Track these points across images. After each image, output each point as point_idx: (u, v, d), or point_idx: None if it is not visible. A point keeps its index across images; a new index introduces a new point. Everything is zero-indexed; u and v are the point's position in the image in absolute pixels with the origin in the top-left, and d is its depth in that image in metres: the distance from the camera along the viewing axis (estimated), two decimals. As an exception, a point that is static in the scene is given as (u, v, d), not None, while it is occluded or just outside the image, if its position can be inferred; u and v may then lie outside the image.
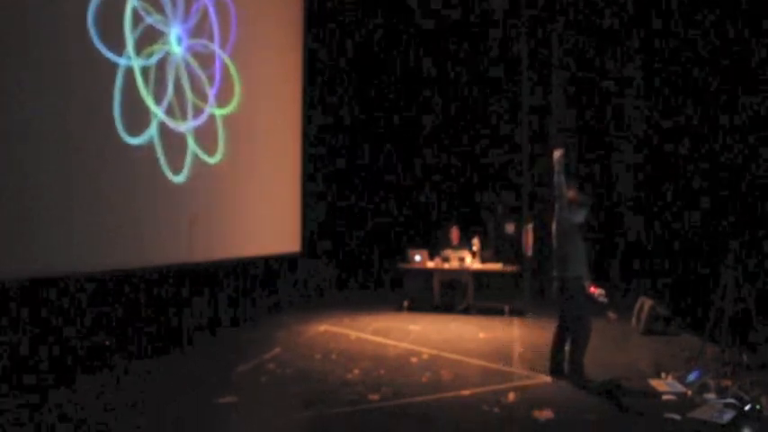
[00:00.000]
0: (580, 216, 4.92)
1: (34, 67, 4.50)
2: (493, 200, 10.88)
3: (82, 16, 4.97)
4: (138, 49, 5.64)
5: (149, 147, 5.81)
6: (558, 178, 4.89)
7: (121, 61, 5.40)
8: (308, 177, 9.68)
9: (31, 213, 4.47)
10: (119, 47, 5.38)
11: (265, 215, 8.27)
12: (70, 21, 4.87)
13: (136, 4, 5.58)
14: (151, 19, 5.82)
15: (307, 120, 9.68)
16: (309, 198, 9.74)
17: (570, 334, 4.89)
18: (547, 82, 10.36)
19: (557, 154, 4.92)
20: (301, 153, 9.54)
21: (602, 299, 5.10)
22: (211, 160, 6.88)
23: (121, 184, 5.41)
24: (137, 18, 5.61)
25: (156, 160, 5.92)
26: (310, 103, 9.78)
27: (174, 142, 6.17)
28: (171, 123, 6.13)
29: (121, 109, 5.39)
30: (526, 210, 10.19)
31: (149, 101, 5.77)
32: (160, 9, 6.00)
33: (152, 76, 5.82)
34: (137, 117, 5.62)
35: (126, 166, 5.48)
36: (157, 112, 5.89)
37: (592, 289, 5.00)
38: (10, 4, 4.30)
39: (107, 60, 5.24)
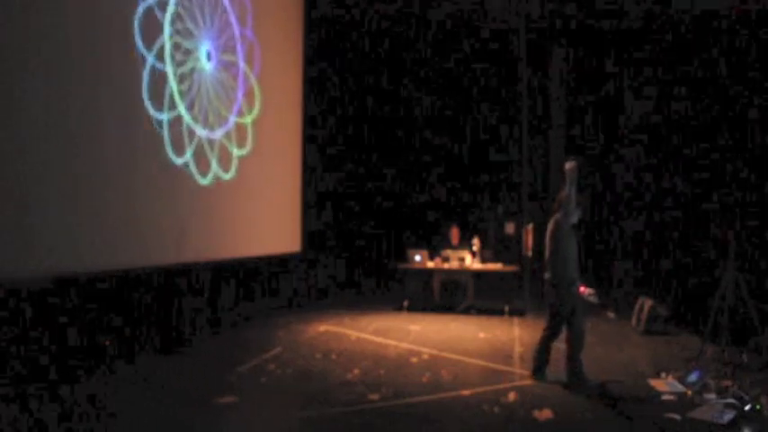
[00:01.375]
0: (575, 217, 4.92)
1: (34, 66, 4.50)
2: (493, 200, 10.88)
3: (83, 16, 4.97)
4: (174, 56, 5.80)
5: (150, 146, 5.81)
6: (570, 190, 4.83)
7: (155, 63, 5.42)
8: (308, 177, 9.68)
9: (31, 213, 4.46)
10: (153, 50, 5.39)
11: (265, 215, 8.27)
12: (72, 24, 4.88)
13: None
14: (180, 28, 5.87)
15: (307, 119, 9.68)
16: (310, 198, 9.74)
17: (566, 336, 4.86)
18: (547, 80, 10.36)
19: (569, 166, 4.86)
20: (302, 153, 9.55)
21: (593, 298, 5.10)
22: (214, 157, 6.89)
23: (121, 184, 5.41)
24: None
25: (157, 159, 5.92)
26: (311, 103, 9.78)
27: (176, 143, 6.16)
28: (178, 125, 6.14)
29: (121, 108, 5.39)
30: (526, 210, 10.19)
31: (150, 102, 5.77)
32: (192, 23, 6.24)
33: (154, 77, 5.83)
34: (137, 117, 5.61)
35: (126, 166, 5.47)
36: (163, 114, 5.90)
37: (582, 289, 4.99)
38: (11, 3, 4.30)
39: (108, 61, 5.24)
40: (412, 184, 11.19)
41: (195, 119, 6.49)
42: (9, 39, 4.28)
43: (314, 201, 9.92)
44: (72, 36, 4.87)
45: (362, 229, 11.13)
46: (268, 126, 8.31)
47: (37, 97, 4.52)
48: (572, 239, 4.89)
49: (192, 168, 6.47)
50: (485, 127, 10.92)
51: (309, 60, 9.76)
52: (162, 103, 5.92)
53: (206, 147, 6.74)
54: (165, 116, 5.97)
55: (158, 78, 5.85)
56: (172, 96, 6.08)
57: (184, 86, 6.29)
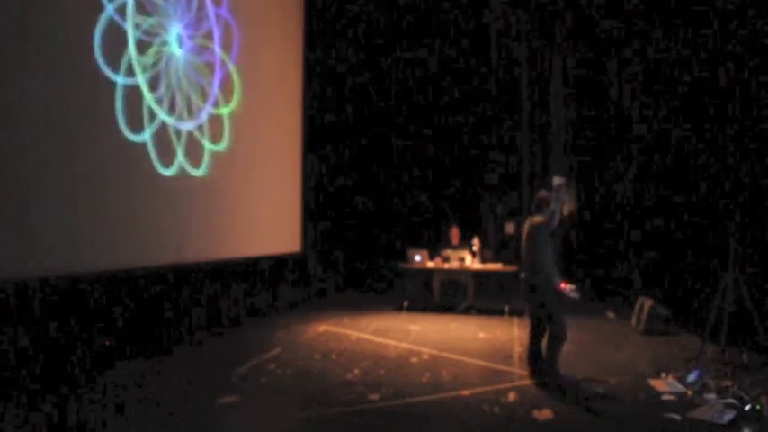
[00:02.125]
0: (555, 219, 4.90)
1: (34, 66, 4.50)
2: (493, 200, 10.89)
3: (85, 18, 4.97)
4: (141, 58, 5.65)
5: (150, 146, 5.80)
6: (556, 205, 4.82)
7: (126, 82, 5.40)
8: (308, 177, 9.68)
9: (31, 213, 4.46)
10: (119, 52, 5.39)
11: (266, 215, 8.27)
12: (73, 26, 4.88)
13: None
14: (148, 22, 5.82)
15: (307, 119, 9.68)
16: (310, 198, 9.74)
17: (548, 333, 4.83)
18: (546, 80, 10.37)
19: (557, 182, 4.85)
20: (302, 153, 9.55)
21: (574, 294, 5.07)
22: (215, 157, 6.89)
23: (121, 184, 5.41)
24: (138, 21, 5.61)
25: (158, 160, 5.92)
26: (311, 103, 9.78)
27: (176, 142, 6.16)
28: (173, 123, 6.13)
29: (123, 108, 5.39)
30: (526, 210, 10.20)
31: (151, 101, 5.76)
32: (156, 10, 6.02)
33: (154, 77, 5.82)
34: (138, 117, 5.61)
35: (126, 166, 5.48)
36: (159, 111, 5.89)
37: (562, 285, 4.97)
38: (11, 3, 4.30)
39: (108, 60, 5.24)
40: (412, 184, 11.19)
41: (178, 115, 6.32)
42: (9, 39, 4.29)
43: (314, 200, 9.92)
44: (72, 36, 4.88)
45: (362, 229, 11.13)
46: (269, 125, 8.31)
47: (37, 97, 4.52)
48: (549, 242, 4.86)
49: (188, 167, 6.47)
50: (485, 126, 10.92)
51: (309, 45, 9.68)
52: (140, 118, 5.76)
53: (198, 144, 6.73)
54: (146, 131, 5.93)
55: (156, 77, 5.82)
56: (169, 96, 6.04)
57: (158, 86, 6.09)
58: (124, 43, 5.45)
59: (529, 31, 10.42)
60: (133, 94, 5.58)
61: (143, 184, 5.72)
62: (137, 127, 5.62)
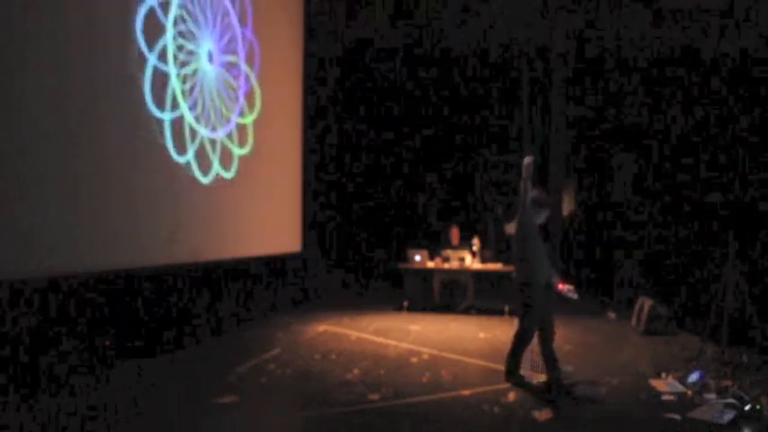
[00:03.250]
0: (541, 217, 4.89)
1: (34, 66, 4.49)
2: (493, 200, 10.89)
3: (83, 16, 4.97)
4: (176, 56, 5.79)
5: (152, 146, 5.80)
6: (525, 185, 4.83)
7: (157, 63, 5.44)
8: (308, 177, 9.69)
9: (31, 213, 4.46)
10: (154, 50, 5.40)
11: (265, 215, 8.27)
12: (71, 24, 4.88)
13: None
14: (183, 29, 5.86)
15: (307, 119, 9.68)
16: (310, 198, 9.74)
17: (516, 332, 4.83)
18: (546, 79, 10.37)
19: (526, 161, 4.86)
20: (302, 153, 9.55)
21: (572, 294, 5.06)
22: (215, 157, 6.90)
23: (122, 184, 5.41)
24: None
25: (158, 159, 5.92)
26: (310, 102, 9.79)
27: (177, 143, 6.16)
28: (180, 125, 6.14)
29: (122, 108, 5.39)
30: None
31: (150, 100, 5.77)
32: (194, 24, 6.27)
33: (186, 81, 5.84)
34: (139, 117, 5.61)
35: (126, 166, 5.47)
36: (163, 113, 5.90)
37: (560, 286, 4.96)
38: (11, 3, 4.30)
39: (110, 61, 5.24)
40: (412, 184, 11.19)
41: (197, 119, 6.50)
42: (9, 39, 4.28)
43: (314, 200, 9.92)
44: (73, 36, 4.87)
45: (362, 229, 11.13)
46: (268, 125, 8.31)
47: (37, 97, 4.52)
48: (538, 240, 4.84)
49: (194, 168, 6.47)
50: (485, 126, 10.92)
51: (310, 59, 9.75)
52: (164, 104, 5.93)
53: (207, 146, 6.74)
54: (167, 116, 5.96)
55: (160, 79, 5.85)
56: (174, 96, 6.08)
57: (187, 87, 6.30)
58: (127, 42, 5.45)
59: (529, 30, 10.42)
60: (136, 92, 5.57)
61: (144, 184, 5.71)
62: (136, 127, 5.61)
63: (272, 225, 8.54)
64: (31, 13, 4.47)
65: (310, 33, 9.78)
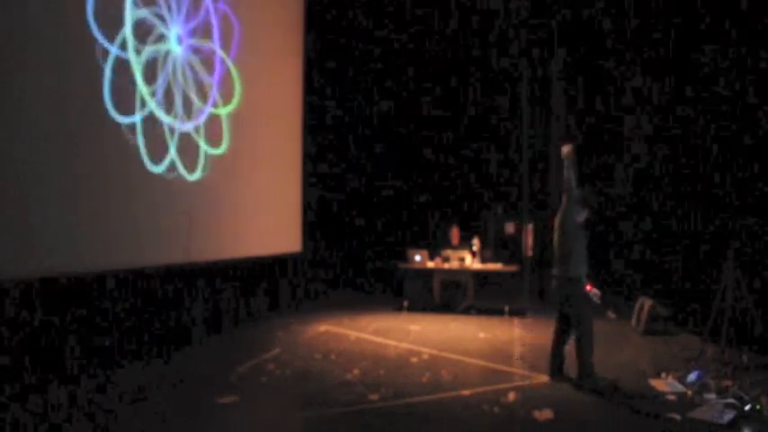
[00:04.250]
0: (583, 215, 4.86)
1: (34, 66, 4.49)
2: (493, 200, 10.90)
3: (83, 18, 4.97)
4: (138, 45, 5.62)
5: (150, 147, 5.80)
6: (568, 173, 4.81)
7: (116, 52, 5.38)
8: (308, 177, 9.68)
9: (31, 213, 4.46)
10: (115, 41, 5.37)
11: (265, 215, 8.26)
12: (70, 22, 4.87)
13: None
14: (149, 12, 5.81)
15: (307, 119, 9.68)
16: (310, 198, 9.74)
17: (574, 335, 4.82)
18: (547, 78, 10.37)
19: (566, 149, 4.83)
20: (302, 153, 9.54)
21: (596, 299, 5.07)
22: (214, 157, 6.88)
23: (122, 184, 5.41)
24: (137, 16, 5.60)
25: (156, 161, 5.91)
26: (310, 103, 9.78)
27: (177, 143, 6.16)
28: (174, 123, 6.12)
29: (119, 106, 5.39)
30: (526, 210, 10.20)
31: (150, 100, 5.76)
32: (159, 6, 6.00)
33: (150, 72, 5.82)
34: (139, 117, 5.61)
35: (125, 166, 5.47)
36: (160, 112, 5.89)
37: (588, 287, 4.96)
38: (10, 3, 4.30)
39: (105, 54, 5.23)
40: (412, 184, 11.19)
41: (175, 114, 6.20)
42: (9, 39, 4.28)
43: (314, 200, 9.91)
44: (73, 36, 4.87)
45: (362, 229, 11.13)
46: (268, 125, 8.30)
47: (37, 97, 4.52)
48: (581, 235, 4.82)
49: (186, 167, 6.46)
50: (485, 126, 10.92)
51: (309, 40, 9.66)
52: (132, 104, 5.59)
53: (191, 141, 6.71)
54: (137, 118, 5.63)
55: (123, 70, 5.46)
56: (143, 96, 5.73)
57: (153, 83, 5.89)
58: (126, 41, 5.44)
59: (529, 30, 10.42)
60: (132, 93, 5.56)
61: (144, 185, 5.71)
62: (136, 127, 5.60)
63: (273, 224, 8.53)
64: (31, 12, 4.46)
65: (311, 14, 9.67)
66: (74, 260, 4.85)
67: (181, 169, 6.33)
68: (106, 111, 5.22)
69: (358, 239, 11.11)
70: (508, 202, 10.80)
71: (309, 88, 9.73)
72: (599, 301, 5.09)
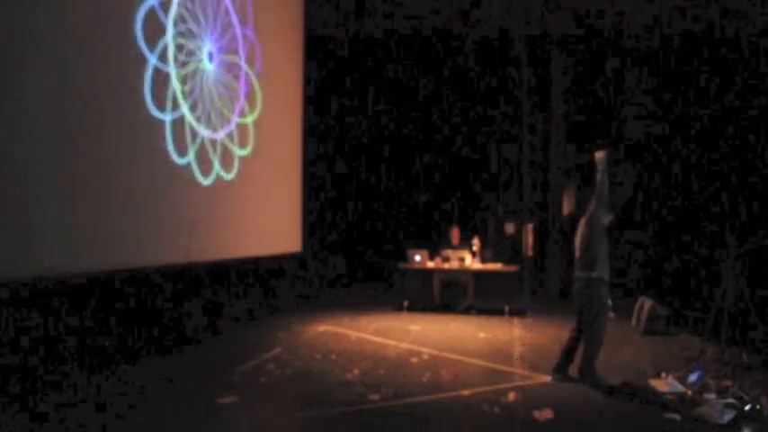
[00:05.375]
0: (608, 218, 4.88)
1: (34, 66, 4.49)
2: (493, 200, 10.90)
3: (83, 19, 4.97)
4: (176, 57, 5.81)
5: (152, 146, 5.80)
6: (602, 177, 4.91)
7: (155, 63, 5.43)
8: (308, 177, 9.69)
9: (31, 213, 4.46)
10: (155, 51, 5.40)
11: (266, 215, 8.27)
12: (71, 24, 4.88)
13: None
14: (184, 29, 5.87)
15: (307, 119, 9.69)
16: (310, 198, 9.74)
17: (585, 335, 4.82)
18: (547, 78, 10.37)
19: (600, 154, 4.96)
20: (302, 153, 9.55)
21: (609, 311, 5.08)
22: (214, 158, 6.89)
23: (122, 184, 5.41)
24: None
25: (166, 163, 5.92)
26: (311, 103, 9.79)
27: (179, 143, 6.16)
28: (181, 126, 6.14)
29: (122, 109, 5.39)
30: (526, 210, 10.20)
31: (152, 103, 5.77)
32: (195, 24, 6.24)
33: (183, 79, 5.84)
34: (139, 117, 5.61)
35: (126, 167, 5.47)
36: (164, 114, 5.90)
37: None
38: (11, 3, 4.30)
39: (110, 61, 5.23)
40: (413, 183, 11.20)
41: (198, 119, 6.50)
42: (9, 39, 4.28)
43: (314, 200, 9.92)
44: (72, 36, 4.87)
45: (363, 229, 11.13)
46: (269, 125, 8.31)
47: (37, 97, 4.52)
48: (604, 238, 4.85)
49: (195, 168, 6.47)
50: (485, 126, 10.93)
51: (310, 58, 9.76)
52: (164, 104, 5.92)
53: (208, 147, 6.74)
54: (167, 117, 5.96)
55: (161, 79, 5.85)
56: (175, 97, 6.08)
57: (187, 87, 6.30)
58: (128, 42, 5.45)
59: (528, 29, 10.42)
60: (136, 93, 5.57)
61: (144, 184, 5.71)
62: (136, 127, 5.61)
63: (273, 225, 8.54)
64: (31, 12, 4.46)
65: (310, 32, 9.79)
66: (74, 260, 4.85)
67: (196, 172, 6.45)
68: (108, 110, 5.22)
69: (358, 239, 11.11)
70: (508, 203, 10.80)
71: (309, 88, 9.75)
72: (612, 313, 5.11)
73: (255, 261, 7.92)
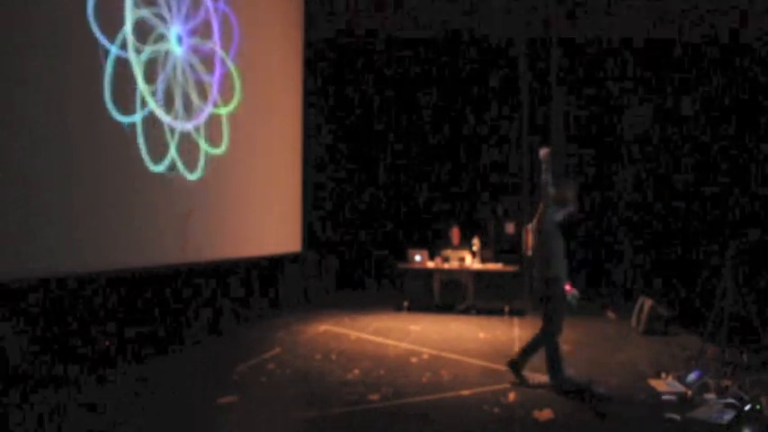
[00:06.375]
0: (560, 215, 4.86)
1: (33, 65, 4.49)
2: (493, 200, 10.89)
3: (83, 17, 4.97)
4: (138, 44, 5.62)
5: (150, 146, 5.80)
6: (545, 176, 4.82)
7: (119, 53, 5.38)
8: (308, 177, 9.68)
9: (30, 213, 4.46)
10: (116, 40, 5.37)
11: (266, 215, 8.27)
12: (71, 19, 4.87)
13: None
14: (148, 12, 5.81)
15: (307, 119, 9.68)
16: (310, 198, 9.74)
17: (541, 331, 4.82)
18: (547, 78, 10.37)
19: (543, 152, 4.86)
20: (302, 153, 9.55)
21: (573, 301, 5.04)
22: (215, 157, 6.88)
23: (121, 183, 5.41)
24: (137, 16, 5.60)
25: (158, 159, 5.91)
26: (311, 102, 9.79)
27: (177, 143, 6.16)
28: (174, 123, 6.12)
29: (118, 106, 5.39)
30: (526, 210, 10.20)
31: (150, 100, 5.76)
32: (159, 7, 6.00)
33: (151, 72, 5.82)
34: (139, 118, 5.61)
35: (126, 166, 5.47)
36: (159, 111, 5.89)
37: (567, 287, 4.96)
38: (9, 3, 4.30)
39: (105, 53, 5.22)
40: (413, 183, 11.19)
41: (175, 114, 6.20)
42: (9, 38, 4.28)
43: (314, 199, 9.92)
44: (72, 35, 4.87)
45: (363, 229, 11.13)
46: (269, 125, 8.30)
47: (37, 97, 4.52)
48: (558, 236, 4.82)
49: (187, 167, 6.46)
50: (485, 126, 10.93)
51: (308, 42, 9.70)
52: (134, 99, 5.58)
53: (193, 141, 6.71)
54: (137, 117, 5.62)
55: (124, 70, 5.47)
56: (143, 94, 5.71)
57: (155, 83, 5.90)
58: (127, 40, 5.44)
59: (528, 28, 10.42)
60: (133, 93, 5.56)
61: (144, 185, 5.71)
62: (136, 126, 5.60)
63: (272, 224, 8.53)
64: (31, 10, 4.47)
65: (310, 15, 9.72)
66: (74, 260, 4.85)
67: (181, 169, 6.32)
68: (106, 110, 5.22)
69: (358, 239, 11.11)
70: (508, 203, 10.79)
71: (310, 85, 9.74)
72: (576, 303, 5.05)
73: (255, 261, 7.92)
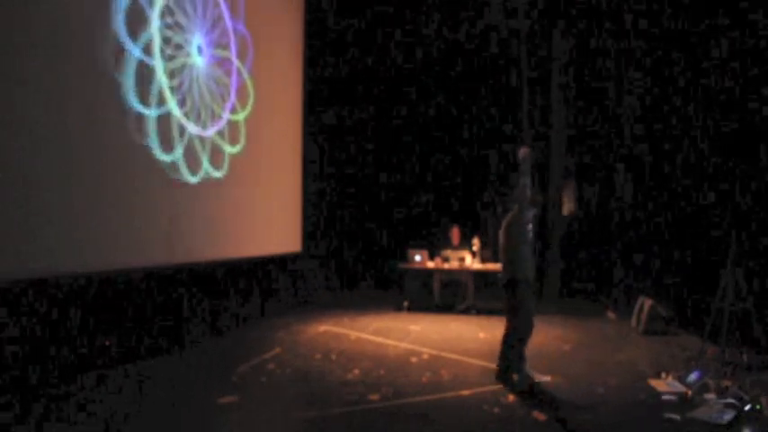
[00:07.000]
0: (529, 215, 4.83)
1: (33, 65, 4.49)
2: (493, 199, 10.90)
3: (83, 17, 4.97)
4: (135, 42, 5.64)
5: (152, 146, 5.80)
6: (524, 178, 4.76)
7: (139, 56, 5.39)
8: (308, 177, 9.68)
9: (30, 213, 4.46)
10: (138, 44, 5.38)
11: (266, 215, 8.27)
12: (72, 19, 4.88)
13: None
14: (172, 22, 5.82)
15: (308, 119, 9.68)
16: (310, 198, 9.74)
17: (508, 333, 4.84)
18: (547, 79, 10.37)
19: (523, 151, 4.79)
20: (302, 153, 9.55)
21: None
22: (215, 157, 6.89)
23: (121, 183, 5.41)
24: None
25: (158, 160, 5.91)
26: (311, 102, 9.79)
27: (177, 142, 6.16)
28: (179, 126, 6.12)
29: (111, 105, 5.38)
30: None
31: (169, 99, 5.76)
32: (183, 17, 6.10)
33: (170, 74, 5.82)
34: (140, 117, 5.61)
35: (126, 166, 5.47)
36: (177, 112, 5.89)
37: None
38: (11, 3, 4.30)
39: (111, 59, 5.23)
40: (413, 183, 11.20)
41: (187, 115, 6.34)
42: (9, 38, 4.28)
43: (314, 199, 9.92)
44: (71, 35, 4.87)
45: (363, 229, 11.14)
46: (266, 123, 8.30)
47: (37, 97, 4.52)
48: (525, 236, 4.79)
49: (185, 167, 6.45)
50: (485, 126, 10.93)
51: (310, 53, 9.74)
52: (149, 100, 5.73)
53: (197, 144, 6.71)
54: (152, 112, 5.78)
55: (146, 73, 5.66)
56: (161, 92, 5.90)
57: (175, 82, 6.12)
58: (109, 36, 5.43)
59: (528, 31, 10.43)
60: (119, 88, 5.56)
61: (143, 184, 5.71)
62: (139, 128, 5.61)
63: (272, 225, 8.53)
64: (31, 10, 4.47)
65: (310, 27, 9.76)
66: (74, 260, 4.85)
67: (183, 170, 6.34)
68: (106, 110, 5.22)
69: (358, 239, 11.11)
70: (508, 203, 10.79)
71: (310, 87, 9.75)
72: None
73: (255, 261, 7.92)
